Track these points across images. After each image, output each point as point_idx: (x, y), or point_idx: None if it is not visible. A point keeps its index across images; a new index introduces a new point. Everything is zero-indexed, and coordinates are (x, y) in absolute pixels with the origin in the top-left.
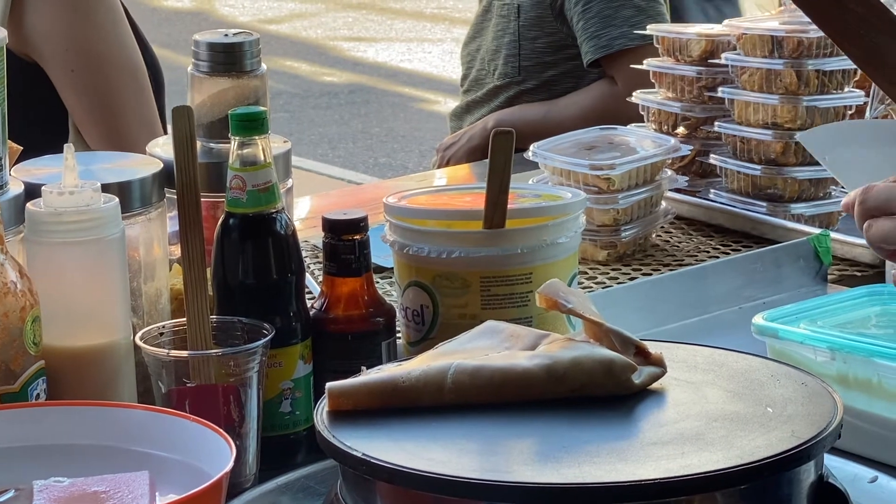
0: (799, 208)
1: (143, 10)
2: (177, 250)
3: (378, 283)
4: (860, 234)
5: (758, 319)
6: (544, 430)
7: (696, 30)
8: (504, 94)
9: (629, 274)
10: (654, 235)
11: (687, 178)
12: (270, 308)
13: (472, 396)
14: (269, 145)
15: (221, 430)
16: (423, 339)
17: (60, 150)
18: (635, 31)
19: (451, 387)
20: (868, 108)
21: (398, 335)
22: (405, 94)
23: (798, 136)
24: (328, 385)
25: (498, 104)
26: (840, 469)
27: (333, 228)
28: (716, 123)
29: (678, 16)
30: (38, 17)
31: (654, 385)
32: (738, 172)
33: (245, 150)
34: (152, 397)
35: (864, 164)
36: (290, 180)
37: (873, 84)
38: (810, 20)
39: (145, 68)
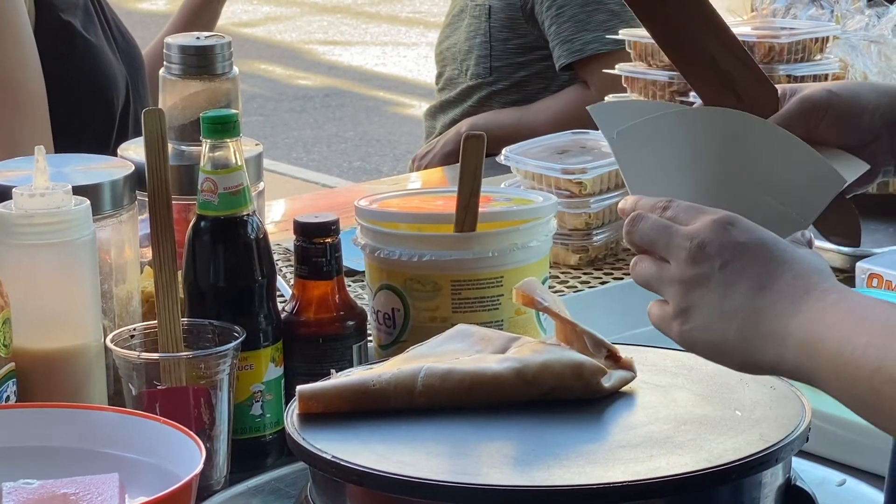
0: None
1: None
2: (148, 253)
3: (349, 286)
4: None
5: None
6: (514, 433)
7: None
8: (476, 95)
9: (601, 278)
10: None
11: None
12: (241, 311)
13: (442, 399)
14: (241, 148)
15: (192, 433)
16: (395, 343)
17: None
18: (608, 36)
19: (422, 390)
20: None
21: (369, 338)
22: (380, 97)
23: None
24: (299, 388)
25: (470, 104)
26: (808, 472)
27: (304, 231)
28: None
29: None
30: None
31: (624, 388)
32: None
33: (216, 153)
34: (123, 400)
35: (654, 161)
36: (262, 183)
37: None
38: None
39: (31, 87)
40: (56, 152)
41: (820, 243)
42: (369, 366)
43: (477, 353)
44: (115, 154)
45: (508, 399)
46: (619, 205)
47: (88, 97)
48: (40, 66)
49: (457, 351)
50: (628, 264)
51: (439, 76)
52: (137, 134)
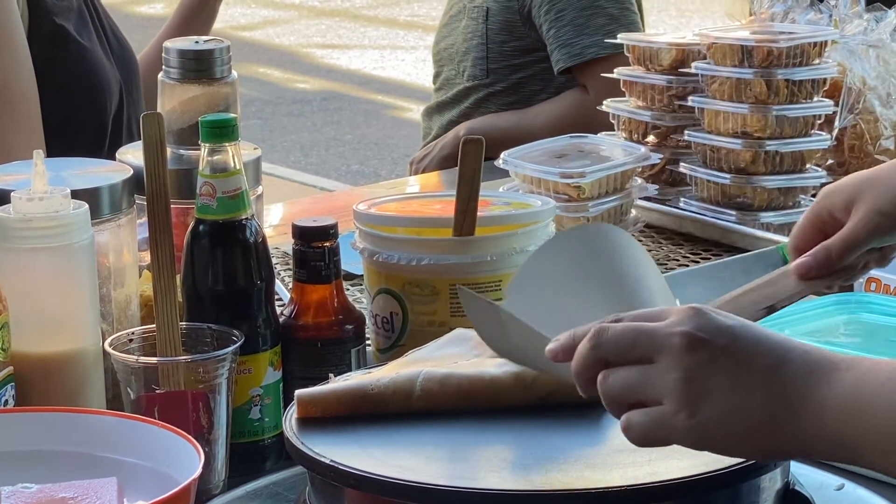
0: (768, 217)
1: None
2: (146, 257)
3: (348, 290)
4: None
5: None
6: (512, 437)
7: (666, 39)
8: (473, 96)
9: None
10: None
11: (657, 187)
12: (240, 315)
13: (440, 404)
14: (240, 152)
15: (190, 437)
16: (393, 347)
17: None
18: (607, 40)
19: (420, 394)
20: (837, 118)
21: (368, 342)
22: (378, 101)
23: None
24: (297, 392)
25: (467, 106)
26: (807, 477)
27: (303, 235)
28: (686, 132)
29: None
30: None
31: None
32: (708, 181)
33: (215, 157)
34: (121, 403)
35: (550, 295)
36: (260, 187)
37: (842, 94)
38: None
39: (24, 91)
40: (48, 156)
41: None
42: (368, 370)
43: (475, 358)
44: (108, 158)
45: (507, 403)
46: (549, 347)
47: (81, 101)
48: (33, 70)
49: (455, 355)
50: None
51: (436, 76)
52: (131, 138)
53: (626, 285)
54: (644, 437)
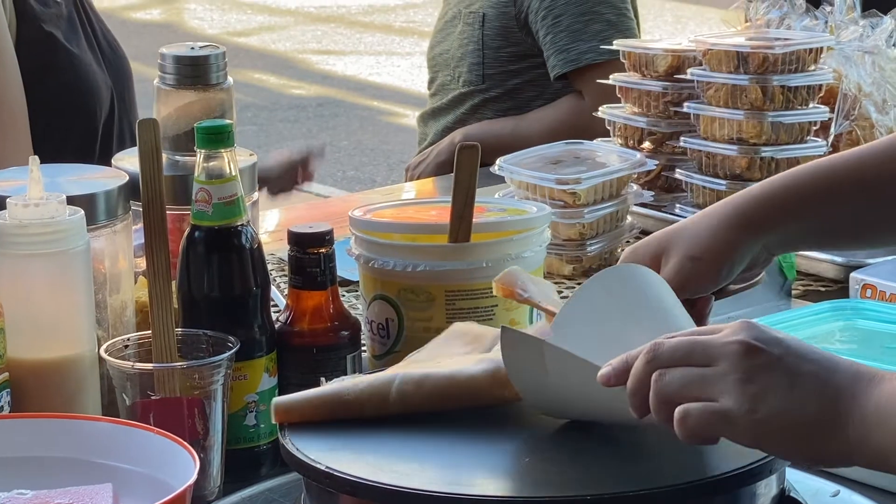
0: None
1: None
2: (142, 263)
3: (344, 296)
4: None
5: None
6: (508, 444)
7: (662, 45)
8: (469, 102)
9: None
10: (619, 250)
11: (653, 193)
12: (235, 321)
13: (417, 405)
14: (235, 158)
15: (185, 443)
16: (389, 353)
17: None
18: (603, 47)
19: (396, 397)
20: (833, 124)
21: (363, 348)
22: (374, 107)
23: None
24: (274, 400)
25: (463, 111)
26: (802, 483)
27: (299, 242)
28: (681, 138)
29: None
30: None
31: None
32: (704, 187)
33: (211, 163)
34: (117, 410)
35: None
36: (256, 193)
37: (838, 100)
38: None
39: (12, 99)
40: None
41: (814, 253)
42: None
43: (466, 355)
44: (98, 164)
45: (485, 402)
46: (601, 373)
47: (70, 109)
48: (20, 76)
49: (451, 354)
50: None
51: (431, 81)
52: (122, 144)
53: (667, 319)
54: (702, 428)
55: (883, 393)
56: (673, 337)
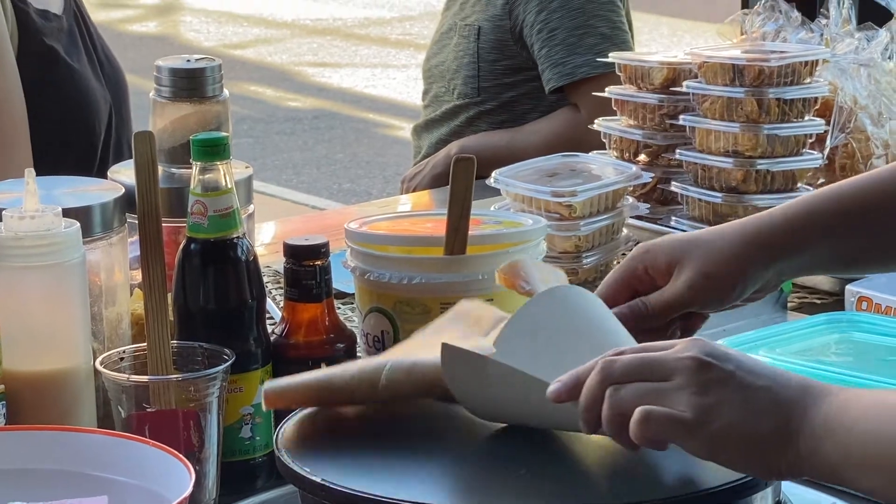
0: None
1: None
2: (138, 275)
3: (339, 308)
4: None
5: None
6: (504, 456)
7: (657, 58)
8: (464, 114)
9: None
10: (615, 262)
11: (648, 206)
12: (231, 333)
13: (405, 392)
14: (231, 170)
15: (181, 456)
16: None
17: None
18: (599, 59)
19: (385, 384)
20: (828, 137)
21: None
22: (369, 119)
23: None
24: (265, 385)
25: (458, 124)
26: (799, 496)
27: (294, 254)
28: (677, 151)
29: None
30: None
31: None
32: (700, 200)
33: (206, 176)
34: (112, 422)
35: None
36: (252, 206)
37: (834, 113)
38: None
39: (13, 112)
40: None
41: None
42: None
43: (463, 339)
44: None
45: None
46: (551, 389)
47: (70, 123)
48: (22, 91)
49: (452, 336)
50: None
51: (425, 93)
52: (120, 158)
53: (608, 336)
54: (660, 432)
55: (832, 406)
56: (623, 353)
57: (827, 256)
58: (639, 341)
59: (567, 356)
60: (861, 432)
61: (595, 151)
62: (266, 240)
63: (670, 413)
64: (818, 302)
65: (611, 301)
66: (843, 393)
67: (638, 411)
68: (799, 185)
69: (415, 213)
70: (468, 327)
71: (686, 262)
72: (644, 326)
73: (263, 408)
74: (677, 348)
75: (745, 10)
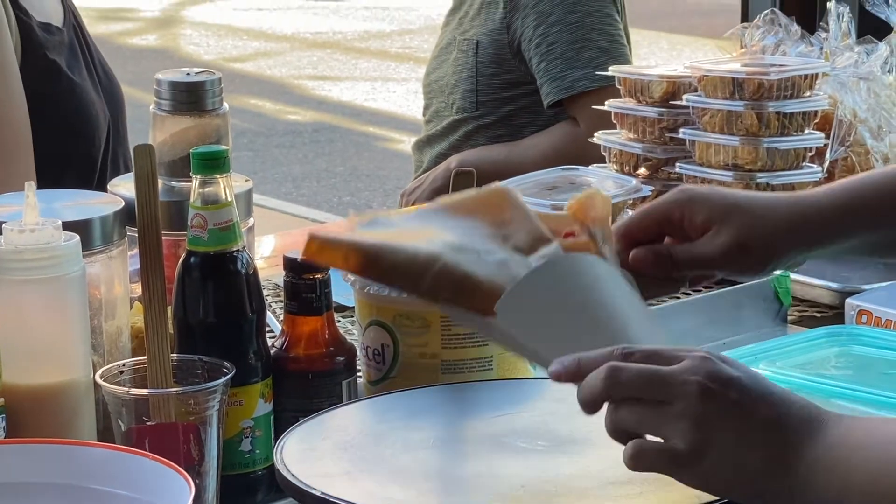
0: None
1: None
2: (138, 288)
3: (339, 321)
4: (818, 276)
5: None
6: (504, 469)
7: (657, 71)
8: (462, 129)
9: None
10: None
11: None
12: (231, 347)
13: (443, 300)
14: (231, 184)
15: (181, 469)
16: (384, 379)
17: None
18: (597, 73)
19: (430, 284)
20: (828, 150)
21: (359, 374)
22: (369, 133)
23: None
24: (311, 230)
25: (456, 138)
26: None
27: (294, 267)
28: (677, 164)
29: None
30: None
31: None
32: None
33: (206, 189)
34: (112, 435)
35: (546, 316)
36: (252, 219)
37: (833, 126)
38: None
39: (17, 125)
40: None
41: (810, 279)
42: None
43: (499, 253)
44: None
45: None
46: (552, 368)
47: (71, 137)
48: (26, 104)
49: (476, 237)
50: None
51: (426, 108)
52: (117, 172)
53: (615, 313)
54: (651, 467)
55: (827, 440)
56: (632, 354)
57: (868, 246)
58: (651, 287)
59: (572, 328)
60: (860, 466)
61: (595, 165)
62: (266, 253)
63: (661, 449)
64: (818, 315)
65: (636, 232)
66: (840, 424)
67: (630, 446)
68: None
69: None
70: (493, 226)
71: (724, 227)
72: (661, 275)
73: (300, 256)
74: (685, 366)
75: (745, 24)
